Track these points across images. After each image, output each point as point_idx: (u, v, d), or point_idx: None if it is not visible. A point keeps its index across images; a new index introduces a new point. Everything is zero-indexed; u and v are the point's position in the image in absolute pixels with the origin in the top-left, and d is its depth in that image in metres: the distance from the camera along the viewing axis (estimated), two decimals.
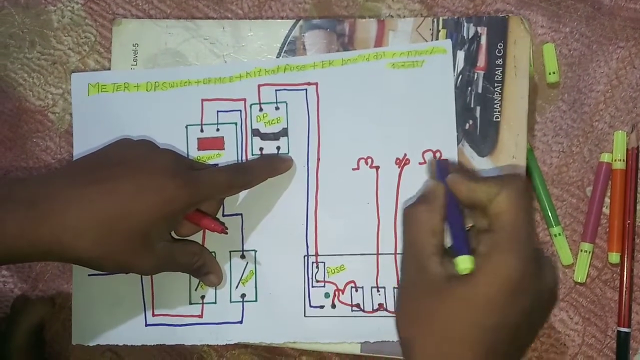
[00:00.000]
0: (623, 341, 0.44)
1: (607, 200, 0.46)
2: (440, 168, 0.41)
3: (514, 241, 0.35)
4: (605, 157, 0.45)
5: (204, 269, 0.44)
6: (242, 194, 0.45)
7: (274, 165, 0.44)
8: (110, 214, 0.37)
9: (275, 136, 0.46)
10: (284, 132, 0.46)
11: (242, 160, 0.46)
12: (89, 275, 0.45)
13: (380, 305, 0.44)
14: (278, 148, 0.46)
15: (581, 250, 0.45)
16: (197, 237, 0.45)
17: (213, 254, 0.45)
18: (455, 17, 0.46)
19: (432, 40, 0.45)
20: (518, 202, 0.35)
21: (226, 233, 0.43)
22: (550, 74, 0.46)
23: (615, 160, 0.45)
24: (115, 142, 0.43)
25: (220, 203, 0.45)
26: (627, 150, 0.45)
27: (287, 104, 0.46)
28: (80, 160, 0.42)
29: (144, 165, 0.39)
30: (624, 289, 0.44)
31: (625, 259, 0.44)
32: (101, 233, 0.37)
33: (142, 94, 0.46)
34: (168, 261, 0.41)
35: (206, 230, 0.45)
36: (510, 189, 0.36)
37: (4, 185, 0.38)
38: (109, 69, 0.47)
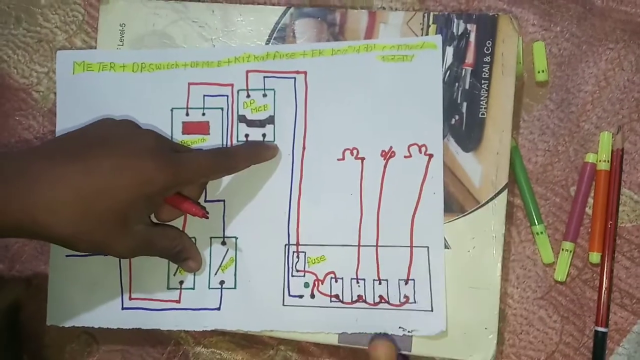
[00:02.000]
0: (600, 341, 0.44)
1: (590, 200, 0.46)
2: None
3: None
4: (590, 158, 0.46)
5: (183, 255, 0.43)
6: (225, 180, 0.45)
7: (259, 152, 0.44)
8: (86, 192, 0.36)
9: (261, 123, 0.45)
10: (271, 120, 0.45)
11: (227, 146, 0.45)
12: (66, 255, 0.45)
13: (359, 296, 0.44)
14: (264, 135, 0.45)
15: (562, 249, 0.45)
16: (178, 222, 0.44)
17: (193, 239, 0.45)
18: (446, 13, 0.46)
19: (422, 34, 0.45)
20: None
21: (207, 217, 0.42)
22: (539, 72, 0.46)
23: (600, 161, 0.45)
24: (96, 121, 0.42)
25: (202, 188, 0.44)
26: (612, 151, 0.45)
27: (275, 91, 0.45)
28: (59, 138, 0.41)
29: (124, 145, 0.38)
30: (603, 289, 0.45)
31: (606, 259, 0.45)
32: (75, 211, 0.36)
33: (128, 74, 0.45)
34: (146, 245, 0.40)
35: (187, 215, 0.44)
36: None
37: None
38: (96, 49, 0.47)
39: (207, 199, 0.45)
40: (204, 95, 0.45)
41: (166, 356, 0.47)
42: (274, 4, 0.47)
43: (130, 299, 0.45)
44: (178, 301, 0.45)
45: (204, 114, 0.45)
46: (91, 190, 0.36)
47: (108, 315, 0.45)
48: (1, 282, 0.47)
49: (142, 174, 0.37)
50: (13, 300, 0.46)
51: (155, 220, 0.43)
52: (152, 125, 0.45)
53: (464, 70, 0.45)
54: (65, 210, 0.36)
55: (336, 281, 0.44)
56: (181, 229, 0.45)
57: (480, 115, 0.45)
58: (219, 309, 0.45)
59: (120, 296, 0.45)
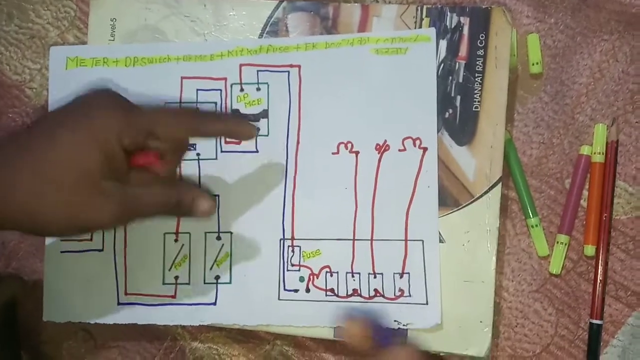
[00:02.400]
0: (595, 333, 0.44)
1: (585, 193, 0.46)
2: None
3: None
4: (585, 150, 0.46)
5: (186, 203, 0.39)
6: (219, 174, 0.45)
7: (233, 126, 0.40)
8: (44, 164, 0.34)
9: (255, 117, 0.45)
10: (265, 114, 0.45)
11: (220, 142, 0.45)
12: (61, 252, 0.45)
13: (354, 290, 0.44)
14: (258, 129, 0.45)
15: (557, 242, 0.45)
16: (171, 219, 0.44)
17: (187, 235, 0.45)
18: (439, 6, 0.45)
19: (415, 28, 0.45)
20: None
21: (160, 167, 0.38)
22: (533, 64, 0.46)
23: (594, 153, 0.45)
24: (74, 99, 0.38)
25: (177, 156, 0.40)
26: (607, 143, 0.45)
27: (268, 85, 0.45)
28: (29, 125, 0.38)
29: (81, 110, 0.36)
30: (598, 281, 0.45)
31: (601, 252, 0.45)
32: (37, 183, 0.34)
33: (120, 69, 0.45)
34: (132, 206, 0.37)
35: None
36: None
37: None
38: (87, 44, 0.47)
39: None
40: (197, 90, 0.45)
41: (163, 352, 0.47)
42: None
43: (126, 294, 0.45)
44: (174, 296, 0.45)
45: (197, 108, 0.45)
46: (50, 160, 0.34)
47: (104, 310, 0.45)
48: None
49: (93, 126, 0.35)
50: (10, 298, 0.46)
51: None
52: None
53: (457, 63, 0.45)
54: (22, 187, 0.34)
55: (331, 275, 0.44)
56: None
57: (474, 109, 0.44)
58: (214, 303, 0.45)
59: (116, 291, 0.45)
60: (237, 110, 0.45)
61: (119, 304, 0.45)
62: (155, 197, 0.38)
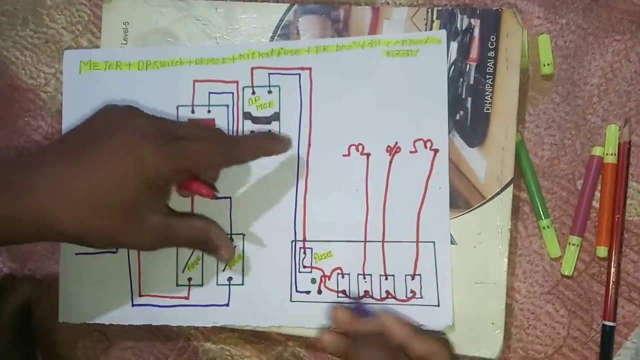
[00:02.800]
0: (608, 335, 0.44)
1: (597, 194, 0.45)
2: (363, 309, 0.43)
3: None
4: (597, 151, 0.45)
5: (212, 244, 0.42)
6: (231, 177, 0.45)
7: (267, 145, 0.42)
8: (91, 189, 0.36)
9: (266, 120, 0.46)
10: (276, 117, 0.45)
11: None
12: (76, 254, 0.45)
13: (366, 292, 0.44)
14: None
15: (569, 244, 0.45)
16: None
17: None
18: (450, 8, 0.45)
19: (426, 30, 0.45)
20: None
21: (215, 198, 0.41)
22: (544, 65, 0.46)
23: (606, 154, 0.45)
24: (97, 111, 0.41)
25: (217, 171, 0.43)
26: (619, 144, 0.45)
27: (280, 88, 0.46)
28: (63, 137, 0.40)
29: (122, 137, 0.38)
30: (611, 283, 0.44)
31: (613, 253, 0.44)
32: (84, 208, 0.36)
33: (133, 72, 0.46)
34: (167, 235, 0.39)
35: (193, 208, 0.45)
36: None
37: None
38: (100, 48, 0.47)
39: None
40: (209, 93, 0.46)
41: (176, 352, 0.48)
42: (277, 1, 0.47)
43: (140, 295, 0.45)
44: (187, 297, 0.45)
45: (209, 111, 0.46)
46: (95, 187, 0.36)
47: (118, 312, 0.45)
48: (13, 281, 0.47)
49: (142, 166, 0.37)
50: (25, 299, 0.46)
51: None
52: None
53: (468, 65, 0.45)
54: (73, 208, 0.36)
55: (343, 277, 0.45)
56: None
57: (485, 110, 0.44)
58: (227, 305, 0.45)
59: (130, 293, 0.45)
60: (248, 113, 0.45)
61: (133, 305, 0.45)
62: (189, 231, 0.41)
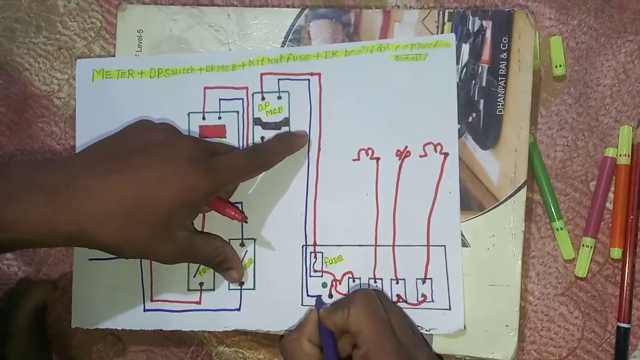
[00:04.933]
0: (622, 337, 0.44)
1: (610, 195, 0.45)
2: (318, 302, 0.44)
3: (378, 352, 0.38)
4: (610, 152, 0.45)
5: (225, 264, 0.44)
6: (243, 182, 0.45)
7: (290, 143, 0.44)
8: (129, 203, 0.37)
9: (276, 125, 0.46)
10: (286, 122, 0.46)
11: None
12: (89, 259, 0.46)
13: None
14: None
15: (583, 245, 0.45)
16: (197, 223, 0.45)
17: None
18: (461, 10, 0.45)
19: (437, 32, 0.45)
20: (367, 313, 0.39)
21: (246, 222, 0.44)
22: (556, 67, 0.46)
23: (620, 155, 0.45)
24: (135, 125, 0.42)
25: (236, 186, 0.45)
26: (633, 145, 0.45)
27: (289, 93, 0.46)
28: (100, 145, 0.41)
29: (165, 153, 0.39)
30: (625, 284, 0.44)
31: (627, 254, 0.44)
32: (121, 221, 0.37)
33: (145, 80, 0.46)
34: (189, 252, 0.41)
35: (206, 217, 0.45)
36: (356, 304, 0.39)
37: (27, 168, 0.38)
38: (114, 55, 0.48)
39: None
40: (220, 99, 0.46)
41: (190, 356, 0.48)
42: (287, 6, 0.47)
43: (152, 300, 0.46)
44: (199, 302, 0.45)
45: (220, 118, 0.46)
46: (135, 200, 0.37)
47: (130, 317, 0.46)
48: (29, 285, 0.48)
49: (185, 183, 0.38)
50: (41, 303, 0.47)
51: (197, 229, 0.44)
52: None
53: (480, 67, 0.45)
54: (111, 220, 0.37)
55: (354, 281, 0.45)
56: (200, 229, 0.45)
57: (497, 112, 0.44)
58: (239, 309, 0.45)
59: (142, 298, 0.46)
60: (258, 119, 0.46)
61: (145, 310, 0.46)
62: (207, 250, 0.43)
